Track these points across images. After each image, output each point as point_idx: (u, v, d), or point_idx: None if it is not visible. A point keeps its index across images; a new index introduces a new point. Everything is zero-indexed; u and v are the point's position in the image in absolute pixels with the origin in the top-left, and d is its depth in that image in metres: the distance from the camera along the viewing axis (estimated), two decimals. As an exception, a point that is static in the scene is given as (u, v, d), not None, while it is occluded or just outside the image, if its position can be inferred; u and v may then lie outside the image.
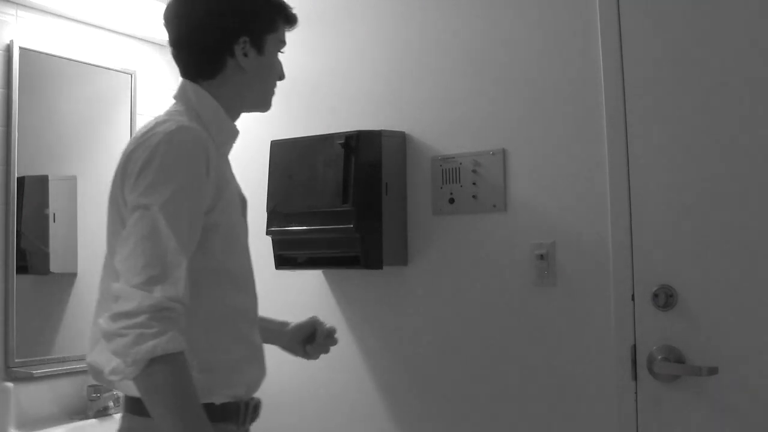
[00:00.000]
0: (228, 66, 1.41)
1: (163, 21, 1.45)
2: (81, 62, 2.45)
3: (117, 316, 1.18)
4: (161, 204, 1.23)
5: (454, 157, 2.13)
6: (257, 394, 1.45)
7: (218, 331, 1.36)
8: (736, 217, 1.73)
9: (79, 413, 2.26)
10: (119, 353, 1.17)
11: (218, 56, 1.40)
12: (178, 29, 1.42)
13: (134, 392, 1.24)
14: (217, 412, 1.31)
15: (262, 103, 1.51)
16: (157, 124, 1.32)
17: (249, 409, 1.41)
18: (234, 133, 1.47)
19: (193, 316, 1.26)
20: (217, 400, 1.33)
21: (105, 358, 1.26)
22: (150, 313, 1.16)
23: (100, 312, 1.34)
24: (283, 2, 1.47)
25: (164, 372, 1.17)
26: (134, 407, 1.31)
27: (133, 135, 1.34)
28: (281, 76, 1.51)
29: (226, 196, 1.36)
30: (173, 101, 1.43)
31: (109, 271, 1.34)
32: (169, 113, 1.38)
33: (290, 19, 1.48)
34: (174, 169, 1.26)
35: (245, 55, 1.41)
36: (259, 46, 1.42)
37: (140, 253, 1.21)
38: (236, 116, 1.48)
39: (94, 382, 2.28)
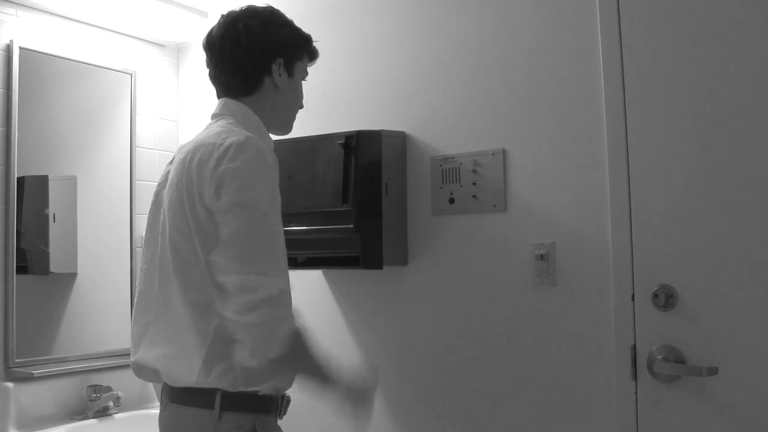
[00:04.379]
0: (265, 84, 1.58)
1: (204, 45, 1.61)
2: (81, 62, 2.45)
3: (255, 305, 1.31)
4: (262, 202, 1.39)
5: (454, 157, 2.13)
6: None
7: None
8: (737, 218, 1.73)
9: (79, 413, 2.26)
10: (262, 341, 1.32)
11: (259, 74, 1.57)
12: (222, 50, 1.57)
13: (181, 384, 1.41)
14: (261, 404, 1.44)
15: (286, 124, 1.67)
16: (221, 134, 1.45)
17: (284, 403, 1.54)
18: (271, 146, 1.61)
19: None
20: (262, 389, 1.44)
21: (152, 355, 1.45)
22: (281, 297, 1.34)
23: (140, 311, 1.50)
24: (310, 37, 1.67)
25: (296, 340, 1.37)
26: (180, 397, 1.43)
27: (194, 147, 1.46)
28: (302, 105, 1.68)
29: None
30: (213, 120, 1.57)
31: (153, 272, 1.48)
32: (223, 126, 1.50)
33: (312, 54, 1.68)
34: (259, 171, 1.40)
35: (280, 75, 1.58)
36: (290, 69, 1.61)
37: (257, 245, 1.36)
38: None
39: (94, 383, 2.30)
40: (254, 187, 1.38)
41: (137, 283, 1.57)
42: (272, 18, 1.60)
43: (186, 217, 1.42)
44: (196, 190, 1.41)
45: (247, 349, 1.34)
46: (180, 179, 1.44)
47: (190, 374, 1.39)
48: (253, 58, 1.56)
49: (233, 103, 1.57)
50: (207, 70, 1.62)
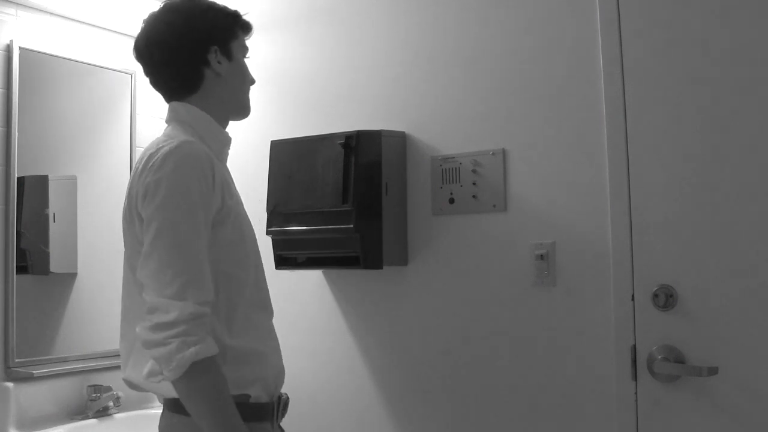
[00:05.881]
0: (207, 76, 1.52)
1: (134, 55, 1.56)
2: (81, 62, 2.45)
3: (158, 327, 1.29)
4: (179, 216, 1.34)
5: (454, 157, 2.13)
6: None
7: (241, 325, 1.44)
8: (737, 218, 1.73)
9: (79, 413, 2.26)
10: (163, 360, 1.28)
11: (196, 68, 1.51)
12: (152, 56, 1.52)
13: (173, 394, 1.35)
14: (254, 412, 1.41)
15: (242, 108, 1.61)
16: (159, 144, 1.41)
17: (280, 406, 1.51)
18: (228, 140, 1.58)
19: (216, 312, 1.38)
20: (251, 392, 1.41)
21: (139, 373, 1.38)
22: (188, 322, 1.28)
23: (127, 327, 1.46)
24: (237, 12, 1.59)
25: (204, 374, 1.30)
26: (174, 406, 1.40)
27: (138, 159, 1.44)
28: (252, 81, 1.62)
29: (233, 203, 1.45)
30: (166, 125, 1.52)
31: (131, 286, 1.43)
32: (167, 134, 1.47)
33: (245, 27, 1.60)
34: (183, 182, 1.35)
35: (219, 62, 1.52)
36: (228, 53, 1.54)
37: (167, 264, 1.31)
38: (225, 125, 1.58)
39: (94, 383, 2.30)
40: (171, 200, 1.33)
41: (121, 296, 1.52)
42: (193, 7, 1.53)
43: (130, 232, 1.41)
44: (135, 204, 1.39)
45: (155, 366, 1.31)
46: (129, 187, 1.43)
47: (172, 390, 1.35)
48: (186, 56, 1.50)
49: (180, 106, 1.52)
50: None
